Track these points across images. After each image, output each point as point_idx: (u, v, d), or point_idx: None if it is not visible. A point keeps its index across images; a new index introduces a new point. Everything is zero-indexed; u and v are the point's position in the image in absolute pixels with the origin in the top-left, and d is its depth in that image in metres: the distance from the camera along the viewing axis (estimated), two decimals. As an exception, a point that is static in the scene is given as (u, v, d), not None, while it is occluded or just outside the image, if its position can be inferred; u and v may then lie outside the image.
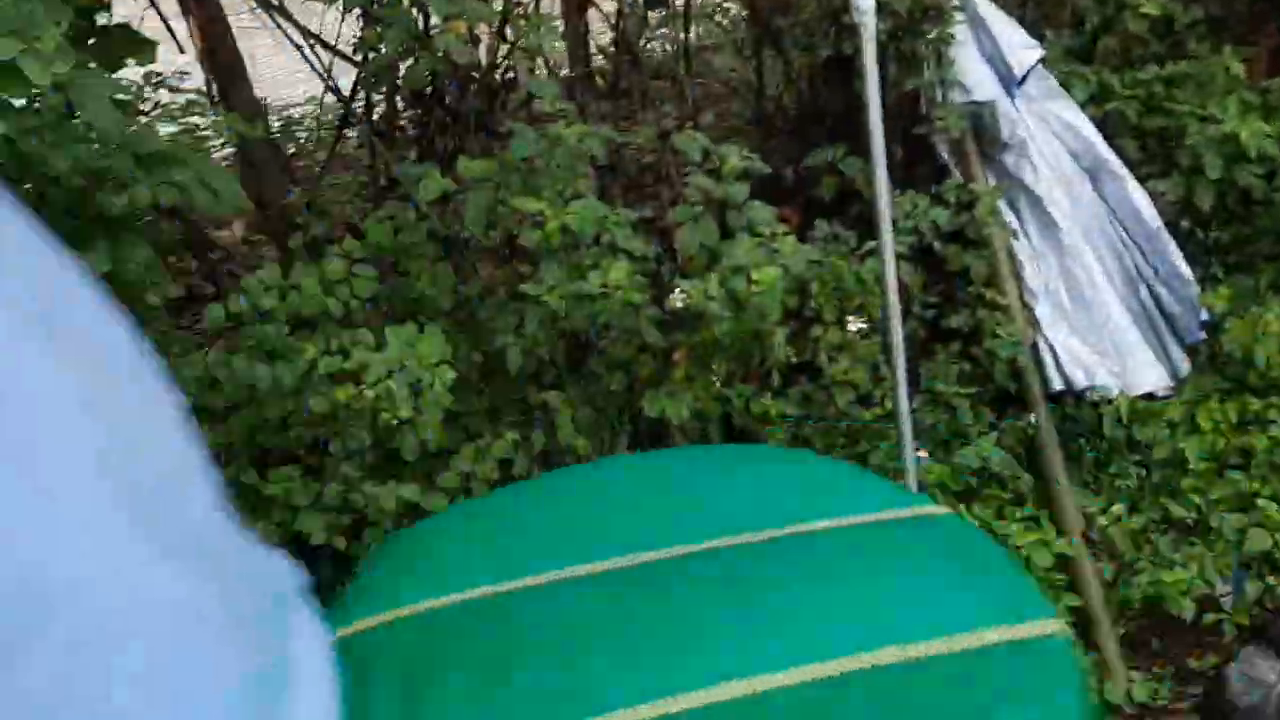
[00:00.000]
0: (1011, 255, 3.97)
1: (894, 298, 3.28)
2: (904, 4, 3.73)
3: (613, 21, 3.94)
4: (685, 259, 2.77)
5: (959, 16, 3.91)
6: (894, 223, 3.83)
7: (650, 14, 4.04)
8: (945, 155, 4.14)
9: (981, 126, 4.07)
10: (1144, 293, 4.11)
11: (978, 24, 4.13)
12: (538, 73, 3.97)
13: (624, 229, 3.00)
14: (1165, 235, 4.07)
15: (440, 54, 2.88)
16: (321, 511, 2.64)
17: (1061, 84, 4.32)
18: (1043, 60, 4.34)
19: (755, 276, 2.57)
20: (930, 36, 3.78)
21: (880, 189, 3.21)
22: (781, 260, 2.71)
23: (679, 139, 2.88)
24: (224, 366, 2.60)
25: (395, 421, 2.49)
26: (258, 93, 5.44)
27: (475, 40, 3.54)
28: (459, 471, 2.73)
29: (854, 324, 3.33)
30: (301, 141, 5.46)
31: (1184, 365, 4.08)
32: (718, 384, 3.42)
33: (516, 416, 2.88)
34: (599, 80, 4.16)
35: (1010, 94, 4.12)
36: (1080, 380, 3.86)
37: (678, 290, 2.58)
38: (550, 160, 2.85)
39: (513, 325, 2.81)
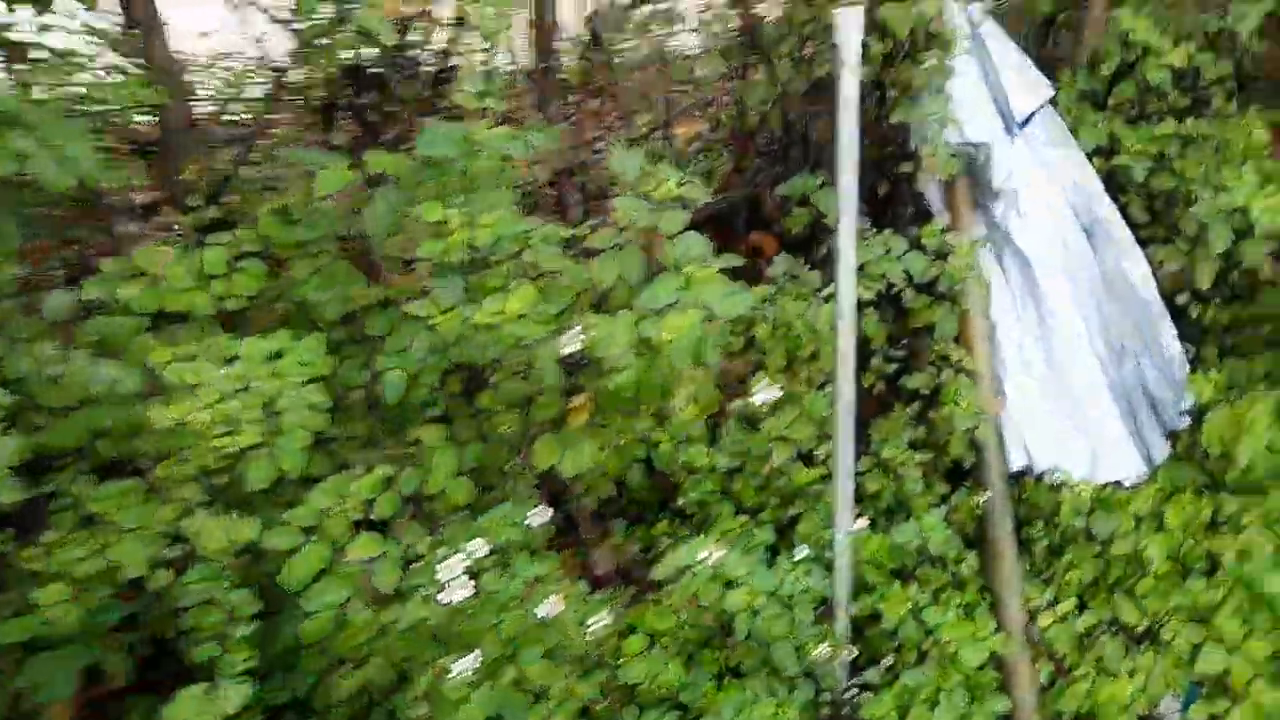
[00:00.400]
0: (987, 314, 3.64)
1: (847, 350, 2.95)
2: (904, 27, 3.39)
3: (586, 14, 3.60)
4: (603, 293, 2.45)
5: (963, 45, 3.57)
6: (862, 266, 3.52)
7: (631, 10, 3.70)
8: (932, 197, 3.81)
9: (975, 169, 3.74)
10: (1129, 367, 3.78)
11: (983, 55, 3.78)
12: (505, 63, 3.65)
13: (551, 247, 2.69)
14: (1159, 308, 3.73)
15: (363, 32, 2.56)
16: (153, 539, 2.34)
17: (1070, 129, 3.97)
18: (1053, 101, 4.01)
19: (668, 323, 2.25)
20: (927, 66, 3.43)
21: (845, 229, 2.87)
22: (707, 303, 2.39)
23: (613, 153, 2.55)
24: (60, 362, 2.30)
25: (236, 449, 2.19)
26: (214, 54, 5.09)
27: (433, 20, 3.22)
28: (317, 508, 2.43)
29: (762, 394, 3.00)
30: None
31: (1162, 451, 3.75)
32: (639, 426, 3.13)
33: (398, 448, 2.57)
34: (569, 77, 3.82)
35: (1011, 134, 3.78)
36: (1043, 461, 3.53)
37: (574, 330, 2.26)
38: (470, 163, 2.54)
39: (402, 346, 2.50)
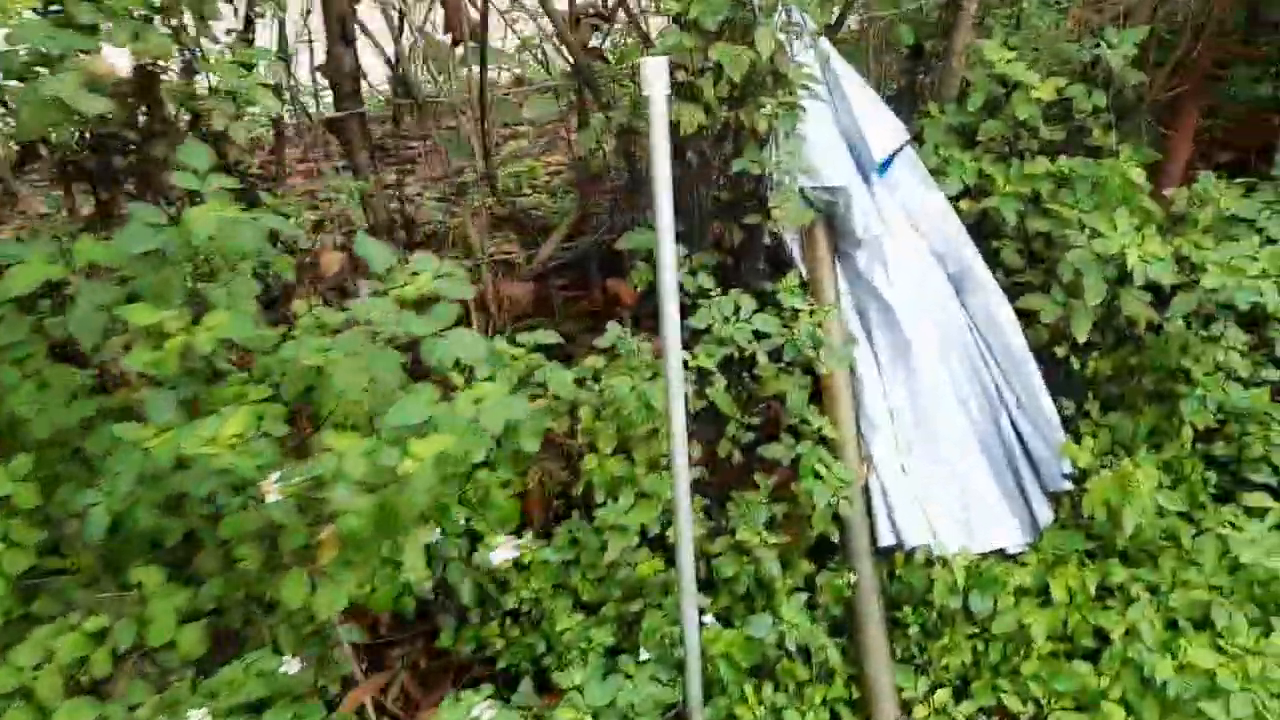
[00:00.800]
0: (852, 375, 3.34)
1: (679, 428, 2.61)
2: (739, 69, 3.07)
3: (389, 58, 3.24)
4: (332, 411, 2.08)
5: (811, 88, 3.26)
6: (707, 329, 3.20)
7: (449, 50, 3.34)
8: (792, 247, 3.50)
9: (835, 216, 3.44)
10: (1005, 425, 3.50)
11: (837, 97, 3.50)
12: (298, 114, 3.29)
13: (318, 339, 2.31)
14: (1032, 366, 3.45)
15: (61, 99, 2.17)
16: None
17: (937, 170, 3.70)
18: (918, 140, 3.73)
19: (410, 450, 1.89)
20: (766, 111, 3.12)
21: (666, 291, 2.49)
22: (473, 417, 2.03)
23: (358, 240, 2.19)
24: None
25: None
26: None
27: (193, 71, 2.83)
28: (20, 666, 2.03)
29: (501, 553, 2.65)
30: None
31: (1045, 514, 3.46)
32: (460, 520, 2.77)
33: (120, 589, 2.18)
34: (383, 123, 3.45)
35: (869, 179, 3.49)
36: (914, 536, 3.23)
37: (273, 477, 1.90)
38: (187, 251, 2.16)
39: (116, 471, 2.11)
